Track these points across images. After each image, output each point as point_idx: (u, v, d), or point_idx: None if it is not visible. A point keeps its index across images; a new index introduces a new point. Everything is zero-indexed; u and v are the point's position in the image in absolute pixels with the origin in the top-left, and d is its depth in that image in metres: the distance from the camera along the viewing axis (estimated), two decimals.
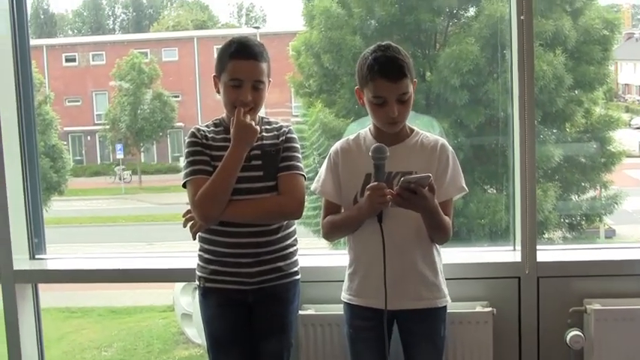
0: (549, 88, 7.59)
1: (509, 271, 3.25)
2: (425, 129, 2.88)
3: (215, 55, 2.89)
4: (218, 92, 2.82)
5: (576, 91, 8.17)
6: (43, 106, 9.87)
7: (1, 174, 3.42)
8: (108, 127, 11.60)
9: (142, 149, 11.98)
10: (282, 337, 2.86)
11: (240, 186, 2.72)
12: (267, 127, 2.85)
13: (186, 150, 2.82)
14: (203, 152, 2.78)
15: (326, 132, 7.81)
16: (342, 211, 2.82)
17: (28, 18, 3.72)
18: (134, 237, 11.06)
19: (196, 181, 2.73)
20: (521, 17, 3.14)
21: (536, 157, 3.22)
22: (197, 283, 2.90)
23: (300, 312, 3.09)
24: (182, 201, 3.00)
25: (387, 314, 2.69)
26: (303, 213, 2.80)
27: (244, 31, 12.51)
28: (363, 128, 2.87)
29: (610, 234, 9.13)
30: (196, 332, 7.33)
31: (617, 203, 8.44)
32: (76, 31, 14.49)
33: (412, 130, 2.82)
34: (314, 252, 3.51)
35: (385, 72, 2.65)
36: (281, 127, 2.86)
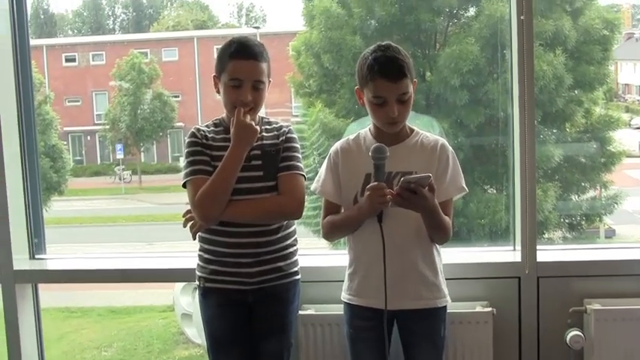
0: (549, 88, 7.59)
1: (509, 271, 3.25)
2: (425, 129, 2.88)
3: (215, 55, 2.89)
4: (218, 92, 2.82)
5: (576, 91, 8.17)
6: (43, 106, 9.87)
7: (1, 174, 3.42)
8: (108, 127, 11.60)
9: (142, 149, 11.98)
10: (282, 337, 2.86)
11: (240, 186, 2.72)
12: (267, 127, 2.85)
13: (186, 150, 2.82)
14: (203, 152, 2.78)
15: (326, 132, 7.81)
16: (342, 211, 2.82)
17: (28, 18, 3.72)
18: (134, 237, 11.06)
19: (196, 181, 2.73)
20: (521, 17, 3.14)
21: (536, 157, 3.22)
22: (197, 283, 2.90)
23: (300, 312, 3.09)
24: (182, 201, 3.00)
25: (387, 314, 2.69)
26: (303, 213, 2.80)
27: (244, 31, 12.51)
28: (363, 128, 2.87)
29: (610, 234, 9.13)
30: (196, 332, 7.33)
31: (617, 203, 8.45)
32: (76, 31, 14.49)
33: (412, 130, 2.82)
34: (314, 252, 3.51)
35: (385, 72, 2.65)
36: (281, 127, 2.86)
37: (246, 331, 2.85)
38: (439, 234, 2.73)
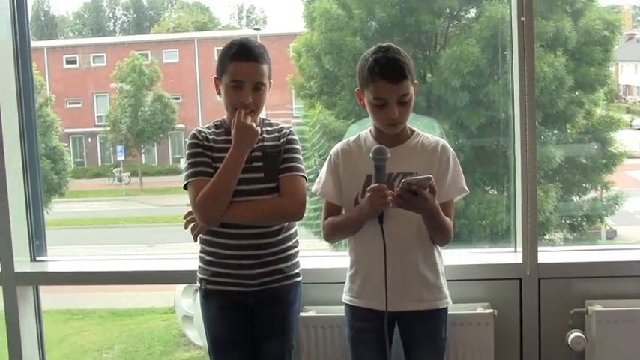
0: (550, 90, 7.59)
1: (510, 272, 3.25)
2: (425, 130, 2.88)
3: (216, 57, 2.89)
4: (219, 94, 2.82)
5: (577, 92, 8.17)
6: (43, 108, 9.87)
7: (2, 176, 3.43)
8: (109, 128, 11.60)
9: (142, 151, 11.98)
10: (283, 339, 2.86)
11: (241, 187, 2.72)
12: (268, 128, 2.85)
13: (187, 152, 2.82)
14: (204, 154, 2.78)
15: (326, 133, 7.81)
16: (343, 212, 2.82)
17: (29, 20, 3.72)
18: (135, 239, 11.07)
19: (197, 182, 2.73)
20: (522, 18, 3.14)
21: (537, 158, 3.22)
22: (198, 284, 2.90)
23: (301, 313, 3.09)
24: (183, 203, 3.00)
25: (387, 315, 2.69)
26: (304, 214, 2.80)
27: (245, 32, 12.50)
28: (363, 130, 2.87)
29: (611, 235, 9.12)
30: (197, 334, 7.32)
31: (618, 204, 8.44)
32: (76, 32, 14.49)
33: (413, 132, 2.82)
34: (315, 253, 3.51)
35: (386, 73, 2.65)
36: (282, 128, 2.86)
37: (247, 333, 2.85)
38: (440, 235, 2.73)
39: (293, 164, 2.80)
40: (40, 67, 10.65)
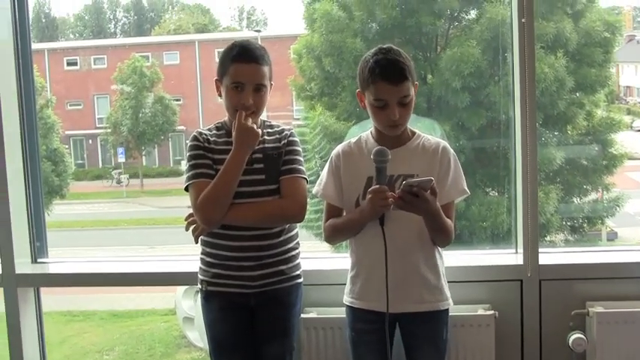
0: (551, 91, 7.58)
1: (511, 273, 3.25)
2: (426, 132, 2.88)
3: (216, 59, 2.89)
4: (220, 96, 2.82)
5: (577, 94, 8.17)
6: (44, 110, 9.89)
7: (3, 178, 3.43)
8: (109, 130, 11.61)
9: (143, 153, 11.99)
10: (284, 341, 2.86)
11: (242, 189, 2.72)
12: (269, 130, 2.85)
13: (188, 154, 2.82)
14: (205, 156, 2.78)
15: (327, 135, 7.81)
16: (344, 214, 2.82)
17: (30, 22, 3.73)
18: (136, 240, 11.08)
19: (198, 184, 2.73)
20: (522, 20, 3.14)
21: (537, 160, 3.22)
22: (199, 286, 2.90)
23: (302, 315, 3.08)
24: (184, 204, 3.00)
25: (389, 317, 2.69)
26: (305, 216, 2.80)
27: (245, 34, 12.51)
28: (364, 131, 2.87)
29: (612, 236, 9.11)
30: (198, 336, 7.33)
31: (618, 206, 8.44)
32: (77, 34, 14.51)
33: (413, 133, 2.82)
34: (316, 255, 3.50)
35: (386, 75, 2.65)
36: (283, 130, 2.87)
37: (248, 335, 2.85)
38: (441, 237, 2.73)
39: (294, 166, 2.80)
40: (40, 69, 10.67)
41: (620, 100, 10.33)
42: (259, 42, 2.92)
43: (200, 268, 2.88)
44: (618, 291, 3.21)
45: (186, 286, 6.32)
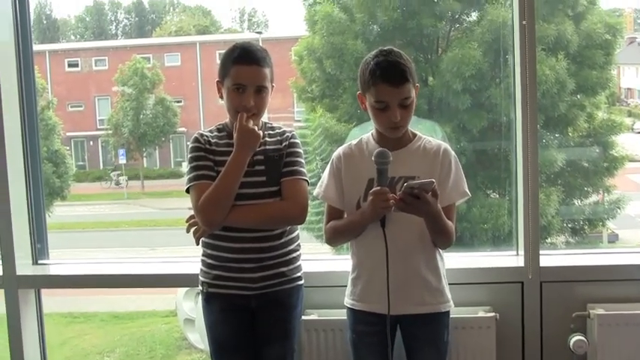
0: (552, 93, 7.57)
1: (512, 276, 3.25)
2: (427, 134, 2.88)
3: (217, 60, 2.89)
4: (221, 97, 2.82)
5: (579, 96, 8.15)
6: (45, 112, 9.90)
7: (4, 179, 3.43)
8: (110, 132, 11.63)
9: (144, 154, 12.00)
10: (285, 343, 2.86)
11: (243, 191, 2.72)
12: (271, 132, 2.85)
13: (189, 155, 2.82)
14: (206, 157, 2.78)
15: (328, 137, 7.80)
16: (345, 216, 2.82)
17: (31, 23, 3.73)
18: (137, 242, 11.08)
19: (200, 186, 2.73)
20: (524, 22, 3.14)
21: (538, 162, 3.21)
22: (200, 288, 2.90)
23: (303, 317, 3.08)
24: (184, 206, 3.00)
25: (390, 319, 2.69)
26: (307, 218, 2.80)
27: (246, 36, 12.53)
28: (365, 133, 2.87)
29: (613, 238, 9.10)
30: (199, 337, 7.32)
31: (620, 208, 8.43)
32: (78, 36, 14.53)
33: (414, 135, 2.82)
34: (317, 257, 3.51)
35: (387, 77, 2.65)
36: (284, 132, 2.87)
37: (249, 337, 2.84)
38: (442, 239, 2.73)
39: (295, 168, 2.80)
40: (42, 70, 10.69)
41: (621, 102, 10.32)
42: (260, 44, 2.92)
43: (201, 269, 2.88)
44: (619, 293, 3.21)
45: (187, 288, 6.32)
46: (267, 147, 2.81)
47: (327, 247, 3.18)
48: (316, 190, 2.88)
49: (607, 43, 8.16)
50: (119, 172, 11.93)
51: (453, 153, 2.80)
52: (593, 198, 8.63)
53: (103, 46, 13.01)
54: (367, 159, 2.71)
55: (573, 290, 3.22)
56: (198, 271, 2.90)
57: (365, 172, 2.73)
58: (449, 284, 2.83)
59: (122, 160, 11.84)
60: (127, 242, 11.08)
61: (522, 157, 3.21)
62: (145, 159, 12.11)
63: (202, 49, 11.66)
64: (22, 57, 3.57)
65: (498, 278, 3.25)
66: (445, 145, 2.82)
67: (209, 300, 2.87)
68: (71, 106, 11.75)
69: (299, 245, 2.91)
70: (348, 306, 2.86)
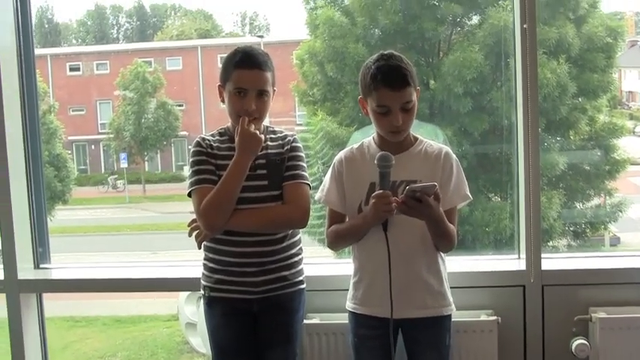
0: (553, 96, 7.58)
1: (514, 279, 3.24)
2: (429, 137, 2.88)
3: (219, 64, 2.90)
4: (223, 101, 2.82)
5: (580, 99, 8.15)
6: (47, 116, 9.91)
7: (5, 183, 3.43)
8: (112, 136, 11.64)
9: (146, 158, 12.01)
10: (287, 347, 2.86)
11: (245, 195, 2.72)
12: (272, 136, 2.85)
13: (191, 159, 2.82)
14: (208, 161, 2.78)
15: (330, 141, 7.80)
16: (347, 220, 2.82)
17: (33, 27, 3.73)
18: (138, 246, 11.07)
19: (201, 190, 2.73)
20: (525, 25, 3.14)
21: (540, 165, 3.21)
22: (202, 292, 2.90)
23: (305, 321, 3.08)
24: (186, 210, 3.01)
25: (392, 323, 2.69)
26: (308, 222, 2.80)
27: (248, 40, 12.54)
28: (366, 137, 2.87)
29: (615, 242, 9.09)
30: (201, 341, 7.30)
31: (621, 211, 8.41)
32: (80, 40, 14.54)
33: (416, 139, 2.82)
34: (319, 261, 3.51)
35: (388, 81, 2.65)
36: (286, 136, 2.87)
37: (251, 341, 2.84)
38: (444, 242, 2.72)
39: (297, 172, 2.80)
40: (43, 74, 10.70)
41: (622, 105, 10.32)
42: (262, 48, 2.93)
43: (203, 273, 2.88)
44: (621, 296, 3.20)
45: (189, 292, 6.32)
46: (269, 151, 2.81)
47: (328, 251, 3.17)
48: (318, 195, 2.87)
49: (608, 47, 8.16)
50: (116, 176, 11.94)
51: (454, 156, 2.80)
52: (595, 201, 8.63)
53: (105, 50, 13.01)
54: (369, 163, 2.71)
55: (575, 294, 3.22)
56: (200, 275, 2.90)
57: (367, 175, 2.73)
58: (450, 288, 2.83)
59: (124, 164, 11.85)
60: (129, 246, 11.09)
61: (524, 160, 3.21)
62: (146, 163, 12.12)
63: (204, 53, 11.68)
64: (23, 61, 3.57)
65: (500, 282, 3.25)
66: (446, 148, 2.82)
67: (211, 304, 2.87)
68: (73, 110, 11.76)
69: (301, 249, 2.91)
70: (350, 310, 2.85)
